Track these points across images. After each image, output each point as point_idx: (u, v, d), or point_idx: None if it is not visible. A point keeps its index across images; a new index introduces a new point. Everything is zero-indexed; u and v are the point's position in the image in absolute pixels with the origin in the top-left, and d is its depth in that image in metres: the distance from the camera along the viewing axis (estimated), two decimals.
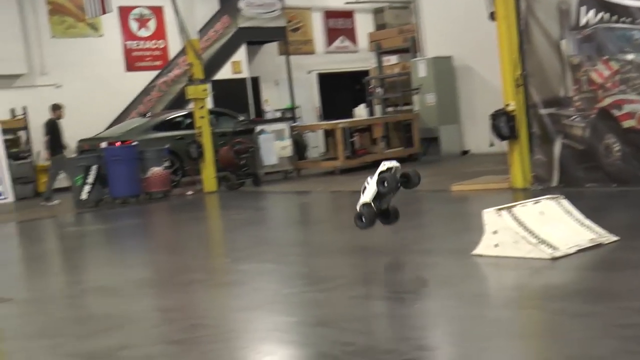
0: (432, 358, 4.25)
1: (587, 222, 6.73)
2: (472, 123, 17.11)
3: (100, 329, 5.48)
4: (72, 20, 19.23)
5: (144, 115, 18.15)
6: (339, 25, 24.24)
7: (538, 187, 10.26)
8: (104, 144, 14.73)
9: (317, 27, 23.84)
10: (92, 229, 12.10)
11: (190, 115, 16.35)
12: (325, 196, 13.18)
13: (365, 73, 20.76)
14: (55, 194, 15.33)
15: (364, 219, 7.28)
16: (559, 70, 10.14)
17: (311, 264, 7.35)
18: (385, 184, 7.17)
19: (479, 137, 16.15)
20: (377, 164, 16.43)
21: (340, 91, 23.77)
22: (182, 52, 18.31)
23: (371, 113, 19.37)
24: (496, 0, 10.48)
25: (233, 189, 14.84)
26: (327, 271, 6.84)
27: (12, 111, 18.04)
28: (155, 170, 14.43)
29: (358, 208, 7.35)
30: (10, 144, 17.60)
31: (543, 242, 6.20)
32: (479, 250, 6.47)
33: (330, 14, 24.04)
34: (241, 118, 17.40)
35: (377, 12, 24.07)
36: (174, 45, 20.00)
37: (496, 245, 6.35)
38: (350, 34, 24.40)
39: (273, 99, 22.05)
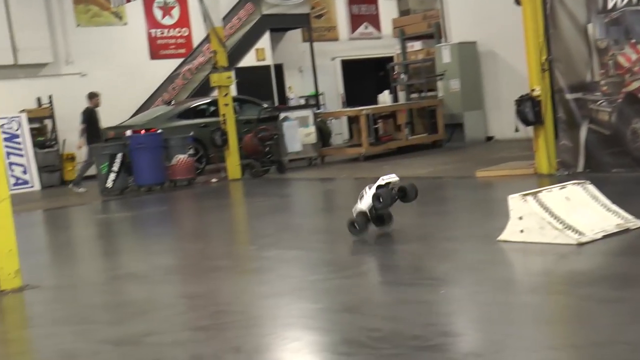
0: (458, 344, 4.24)
1: (614, 207, 6.67)
2: (497, 109, 16.99)
3: (127, 315, 5.53)
4: (97, 9, 19.31)
5: (168, 103, 18.23)
6: (363, 11, 24.14)
7: (563, 173, 10.19)
8: (128, 132, 14.82)
9: (340, 14, 23.76)
10: (118, 216, 12.19)
11: (214, 102, 16.40)
12: (350, 183, 13.16)
13: (389, 59, 20.69)
14: (82, 182, 15.44)
15: (357, 226, 7.30)
16: (586, 54, 10.05)
17: (336, 250, 7.35)
18: (381, 200, 7.25)
19: (503, 123, 16.05)
20: (401, 150, 16.53)
21: (364, 78, 23.70)
22: (206, 39, 18.34)
23: (395, 99, 19.31)
24: None
25: (257, 176, 14.87)
26: (352, 258, 6.85)
27: (38, 100, 18.18)
28: (180, 157, 14.49)
29: (354, 214, 7.33)
30: (36, 133, 17.78)
31: (569, 227, 6.16)
32: (505, 236, 6.45)
33: (353, 0, 23.95)
34: (265, 105, 17.41)
35: None
36: (198, 33, 20.04)
37: (522, 231, 6.32)
38: (374, 20, 24.30)
39: (297, 86, 22.04)
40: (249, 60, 20.46)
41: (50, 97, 17.97)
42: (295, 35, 22.48)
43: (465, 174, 11.59)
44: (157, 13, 20.28)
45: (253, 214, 10.99)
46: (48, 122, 18.17)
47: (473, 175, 11.21)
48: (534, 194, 6.43)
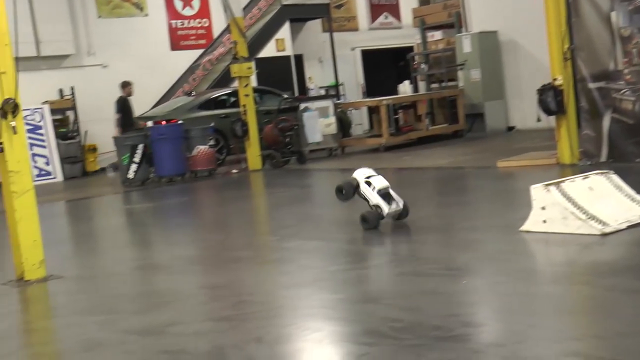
0: (480, 335, 4.23)
1: (638, 197, 6.62)
2: (518, 99, 16.90)
3: (150, 305, 5.56)
4: (118, 0, 19.38)
5: (189, 94, 18.27)
6: (383, 1, 24.05)
7: (586, 163, 10.12)
8: (149, 123, 14.87)
9: (360, 4, 23.69)
10: (140, 207, 12.25)
11: (234, 93, 16.42)
12: None
13: (409, 49, 20.60)
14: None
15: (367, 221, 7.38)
16: (609, 42, 9.96)
17: (356, 241, 7.35)
18: (367, 222, 7.34)
19: (525, 112, 15.97)
20: (421, 140, 16.43)
21: (384, 68, 23.63)
22: (227, 30, 18.37)
23: (415, 89, 19.24)
24: None
25: (278, 166, 14.89)
26: (373, 248, 6.85)
27: (61, 92, 18.29)
28: (201, 148, 14.53)
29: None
30: (58, 124, 17.89)
31: (592, 217, 6.13)
32: (527, 226, 6.42)
33: None
34: (285, 96, 17.41)
35: None
36: (218, 23, 20.06)
37: (544, 221, 6.29)
38: (394, 10, 24.20)
39: (317, 77, 22.02)
40: (269, 50, 20.46)
41: (72, 88, 18.07)
42: (315, 26, 22.44)
43: (487, 164, 11.54)
44: (178, 4, 20.33)
45: (273, 204, 11.01)
46: (70, 114, 18.27)
47: (494, 166, 11.16)
48: (557, 184, 6.40)
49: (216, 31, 20.41)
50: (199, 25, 20.56)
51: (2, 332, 5.33)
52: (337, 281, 5.76)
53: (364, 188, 7.49)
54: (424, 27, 19.24)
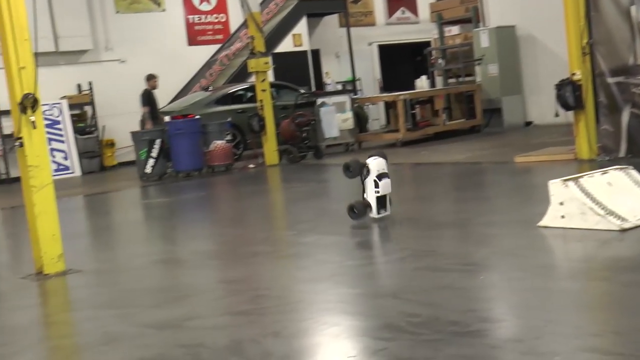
0: (498, 330, 4.22)
1: None
2: (536, 93, 16.81)
3: (168, 299, 5.59)
4: None
5: (206, 89, 18.31)
6: None
7: (605, 158, 10.05)
8: (167, 118, 14.92)
9: None
10: (157, 202, 12.30)
11: (251, 88, 16.44)
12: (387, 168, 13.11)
13: (426, 44, 20.54)
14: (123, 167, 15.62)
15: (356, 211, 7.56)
16: (628, 37, 9.88)
17: (374, 235, 7.36)
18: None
19: (542, 107, 15.88)
20: (438, 136, 16.39)
21: (401, 63, 23.58)
22: (244, 25, 18.38)
23: (432, 84, 19.18)
24: None
25: (294, 161, 14.90)
26: (391, 243, 6.85)
27: (79, 86, 18.38)
28: (218, 143, 14.57)
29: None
30: (76, 119, 17.98)
31: (611, 213, 6.09)
32: (545, 221, 6.40)
33: None
34: (302, 91, 17.41)
35: None
36: (235, 18, 20.06)
37: (562, 217, 6.27)
38: (411, 5, 24.11)
39: (334, 72, 21.99)
40: (286, 45, 20.45)
41: (90, 83, 18.16)
42: (332, 21, 22.41)
43: (504, 160, 11.50)
44: None
45: (290, 199, 11.02)
46: (88, 109, 18.36)
47: (512, 161, 11.11)
48: (575, 179, 6.37)
49: (233, 26, 20.42)
50: (216, 20, 20.59)
51: (22, 325, 5.38)
52: (354, 276, 5.77)
53: (368, 182, 7.57)
54: (442, 21, 19.18)
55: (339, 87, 20.30)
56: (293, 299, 5.29)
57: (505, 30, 17.25)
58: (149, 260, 7.24)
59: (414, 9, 24.09)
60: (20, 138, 6.55)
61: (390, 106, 17.41)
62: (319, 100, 16.17)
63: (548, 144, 12.03)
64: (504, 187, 9.83)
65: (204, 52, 19.81)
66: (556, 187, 6.37)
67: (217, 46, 20.16)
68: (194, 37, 20.24)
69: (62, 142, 17.35)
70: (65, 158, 17.35)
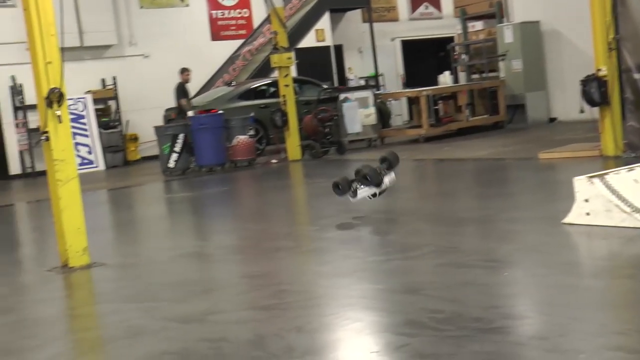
0: (522, 327, 4.21)
1: None
2: (560, 89, 16.69)
3: (191, 293, 5.62)
4: None
5: (229, 84, 18.36)
6: None
7: (630, 155, 9.96)
8: (190, 113, 14.97)
9: None
10: (180, 196, 12.36)
11: (274, 83, 16.46)
12: (409, 164, 13.09)
13: (449, 40, 20.46)
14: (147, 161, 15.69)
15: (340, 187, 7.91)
16: None
17: (397, 231, 7.36)
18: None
19: (567, 103, 15.77)
20: (461, 132, 16.34)
21: (424, 58, 23.50)
22: (267, 20, 18.41)
23: (456, 80, 19.11)
24: None
25: (317, 157, 14.91)
26: (414, 239, 6.83)
27: (103, 81, 18.49)
28: (241, 138, 14.60)
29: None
30: (100, 114, 18.10)
31: (637, 210, 6.04)
32: (570, 218, 6.36)
33: None
34: (325, 86, 17.41)
35: None
36: (258, 14, 20.11)
37: (588, 214, 6.22)
38: (435, 0, 24.03)
39: (357, 67, 21.96)
40: (308, 41, 20.46)
41: (114, 78, 18.27)
42: (355, 16, 22.37)
43: (528, 156, 11.44)
44: None
45: (313, 194, 11.03)
46: (112, 103, 18.49)
47: (536, 157, 11.05)
48: (601, 176, 6.32)
49: (256, 21, 20.46)
50: (239, 15, 20.62)
51: (48, 318, 5.43)
52: (377, 271, 5.77)
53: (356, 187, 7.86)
54: (465, 17, 19.09)
55: (362, 82, 20.28)
56: (316, 294, 5.30)
57: (530, 25, 17.14)
58: (173, 255, 7.28)
59: (437, 5, 23.99)
60: (46, 132, 6.60)
61: (413, 102, 17.36)
62: (342, 96, 16.16)
63: (572, 141, 11.94)
64: (528, 184, 9.78)
65: (227, 47, 19.87)
66: (581, 184, 6.33)
67: (240, 41, 20.21)
68: (217, 32, 20.30)
69: (87, 136, 17.48)
70: (90, 152, 17.48)
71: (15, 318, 5.46)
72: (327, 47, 21.38)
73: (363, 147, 15.96)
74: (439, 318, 4.37)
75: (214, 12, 20.29)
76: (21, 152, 17.43)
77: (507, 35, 17.25)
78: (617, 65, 10.14)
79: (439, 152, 13.87)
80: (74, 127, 16.40)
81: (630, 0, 9.93)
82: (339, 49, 22.00)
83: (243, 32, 20.51)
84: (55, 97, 6.54)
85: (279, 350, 4.16)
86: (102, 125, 17.90)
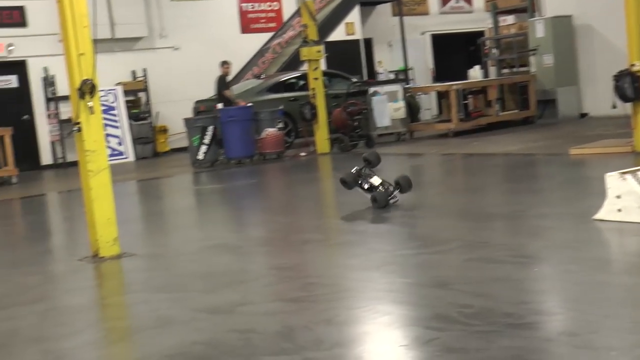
0: (552, 323, 4.18)
1: None
2: (592, 85, 16.52)
3: (220, 284, 5.65)
4: None
5: (258, 76, 18.39)
6: None
7: None
8: (220, 105, 15.03)
9: None
10: (209, 188, 12.42)
11: (303, 76, 16.46)
12: (439, 159, 13.07)
13: (480, 34, 20.34)
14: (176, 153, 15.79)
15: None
16: None
17: (426, 225, 7.34)
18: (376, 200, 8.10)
19: (598, 99, 15.60)
20: (491, 126, 16.22)
21: (454, 52, 23.38)
22: (297, 13, 18.40)
23: (486, 75, 18.99)
24: None
25: (346, 150, 14.90)
26: (443, 233, 6.81)
27: (133, 73, 18.61)
28: (270, 131, 14.64)
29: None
30: (131, 105, 18.23)
31: None
32: (601, 214, 6.30)
33: None
34: (354, 80, 17.38)
35: None
36: (288, 7, 20.12)
37: (619, 210, 6.17)
38: None
39: (386, 61, 21.91)
40: (338, 34, 20.41)
41: (144, 70, 18.38)
42: (385, 9, 22.31)
43: (558, 151, 11.34)
44: None
45: (341, 188, 10.96)
46: (142, 95, 18.60)
47: (566, 153, 10.95)
48: (633, 172, 6.26)
49: (286, 14, 20.46)
50: (269, 8, 20.64)
51: (80, 306, 5.49)
52: (405, 265, 5.76)
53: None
54: (496, 11, 18.96)
55: (391, 76, 20.23)
56: (344, 287, 5.31)
57: (562, 20, 16.98)
58: (202, 246, 7.32)
59: None
60: (78, 123, 6.66)
61: (442, 96, 17.29)
62: (371, 89, 16.13)
63: (604, 136, 11.83)
64: (558, 179, 9.70)
65: (257, 40, 19.88)
66: (613, 180, 6.27)
67: (270, 34, 20.22)
68: (247, 25, 20.33)
69: (117, 127, 17.61)
70: (120, 143, 17.61)
71: (47, 306, 5.53)
72: (357, 41, 21.35)
73: (392, 141, 15.92)
74: (468, 313, 4.35)
75: (244, 4, 20.32)
76: (52, 143, 17.61)
77: (539, 30, 17.11)
78: None
79: (468, 146, 13.80)
80: (104, 118, 16.47)
81: None
82: (368, 42, 21.96)
83: (273, 25, 20.52)
84: (87, 89, 6.60)
85: (308, 342, 4.17)
86: (132, 117, 18.03)
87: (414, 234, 6.94)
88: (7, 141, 14.60)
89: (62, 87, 16.30)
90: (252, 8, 20.42)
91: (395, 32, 21.56)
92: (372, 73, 21.28)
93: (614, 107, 10.60)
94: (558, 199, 8.21)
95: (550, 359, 3.73)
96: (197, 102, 16.88)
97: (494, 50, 18.88)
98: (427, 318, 4.41)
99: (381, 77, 20.17)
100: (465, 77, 18.49)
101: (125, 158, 17.54)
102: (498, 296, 4.66)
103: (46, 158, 17.66)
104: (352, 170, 8.40)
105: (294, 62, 18.66)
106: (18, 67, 17.48)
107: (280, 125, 14.94)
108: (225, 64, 15.65)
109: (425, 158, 13.35)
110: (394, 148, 14.91)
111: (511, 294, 4.70)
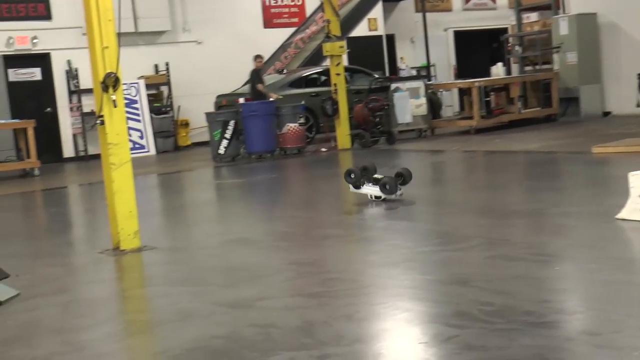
0: (574, 322, 4.15)
1: None
2: (616, 83, 16.40)
3: (240, 279, 5.65)
4: None
5: (280, 71, 18.40)
6: None
7: None
8: (241, 100, 15.05)
9: None
10: (230, 182, 12.44)
11: (325, 72, 16.46)
12: (460, 156, 13.01)
13: (503, 31, 20.23)
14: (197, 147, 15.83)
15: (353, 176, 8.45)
16: None
17: (447, 222, 7.31)
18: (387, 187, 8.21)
19: (622, 97, 15.51)
20: (513, 124, 16.16)
21: (476, 49, 23.28)
22: (319, 8, 18.38)
23: (508, 72, 18.90)
24: None
25: (367, 146, 14.88)
26: (464, 230, 6.78)
27: (156, 67, 18.69)
28: (291, 126, 14.65)
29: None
30: (153, 99, 18.31)
31: None
32: (624, 214, 6.25)
33: None
34: (376, 76, 17.35)
35: None
36: (311, 2, 20.12)
37: None
38: None
39: (408, 57, 21.87)
40: (361, 30, 20.40)
41: (167, 64, 18.45)
42: (407, 6, 22.25)
43: (581, 150, 11.27)
44: None
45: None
46: (164, 89, 18.68)
47: (589, 151, 10.87)
48: None
49: (309, 9, 20.46)
50: (292, 3, 20.65)
51: (101, 299, 5.52)
52: (426, 262, 5.74)
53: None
54: (520, 8, 18.84)
55: (414, 72, 20.19)
56: (364, 283, 5.30)
57: (586, 17, 16.85)
58: (222, 240, 7.34)
59: None
60: (101, 116, 6.70)
61: (464, 93, 17.21)
62: (393, 86, 16.09)
63: (627, 135, 11.72)
64: (580, 178, 9.64)
65: (280, 35, 19.91)
66: (636, 179, 6.21)
67: (293, 29, 20.23)
68: (270, 19, 20.35)
69: (139, 121, 17.70)
70: (141, 137, 17.69)
71: (69, 298, 5.56)
72: (379, 37, 21.32)
73: (413, 138, 15.88)
74: (489, 310, 4.33)
75: None
76: (75, 136, 17.74)
77: (563, 27, 16.99)
78: None
79: (490, 144, 13.73)
80: (126, 111, 16.62)
81: None
82: (391, 38, 21.91)
83: (295, 20, 20.53)
84: (111, 82, 6.63)
85: (328, 337, 4.16)
86: (154, 111, 18.11)
87: (434, 231, 6.92)
88: (30, 133, 14.72)
89: (85, 80, 16.42)
90: (275, 3, 20.44)
91: (417, 28, 21.52)
92: (394, 69, 21.24)
93: (638, 105, 10.51)
94: (580, 197, 8.15)
95: (571, 358, 3.70)
96: (219, 96, 16.92)
97: (517, 48, 18.77)
98: (447, 315, 4.39)
99: (403, 74, 20.14)
100: (487, 74, 18.41)
101: (147, 152, 17.63)
102: (519, 294, 4.64)
103: (68, 151, 17.79)
104: (355, 171, 8.42)
105: (316, 57, 18.66)
106: (42, 60, 17.61)
107: (302, 120, 14.94)
108: (258, 57, 15.70)
109: (446, 155, 13.30)
110: (415, 145, 14.88)
111: (532, 292, 4.67)
